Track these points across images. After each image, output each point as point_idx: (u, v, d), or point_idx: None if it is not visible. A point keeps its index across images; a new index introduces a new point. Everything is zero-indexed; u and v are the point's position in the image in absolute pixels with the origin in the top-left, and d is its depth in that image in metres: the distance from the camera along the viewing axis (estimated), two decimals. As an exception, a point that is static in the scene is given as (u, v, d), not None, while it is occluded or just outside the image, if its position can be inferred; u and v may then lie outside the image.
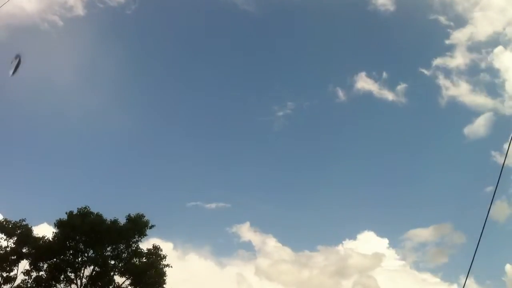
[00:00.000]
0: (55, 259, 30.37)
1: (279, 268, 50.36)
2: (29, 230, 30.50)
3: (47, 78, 59.21)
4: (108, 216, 31.48)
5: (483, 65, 56.75)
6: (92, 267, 30.67)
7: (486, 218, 7.67)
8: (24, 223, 30.46)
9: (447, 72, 58.00)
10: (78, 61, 59.31)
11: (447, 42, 57.80)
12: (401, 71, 65.61)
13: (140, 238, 31.72)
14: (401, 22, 63.33)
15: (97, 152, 65.85)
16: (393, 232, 59.66)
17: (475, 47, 56.85)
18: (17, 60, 10.14)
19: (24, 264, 30.13)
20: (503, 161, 7.52)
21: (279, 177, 66.06)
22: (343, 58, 66.96)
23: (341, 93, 60.77)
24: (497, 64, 56.30)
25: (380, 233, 51.14)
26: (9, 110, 60.27)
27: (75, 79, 61.29)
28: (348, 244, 51.86)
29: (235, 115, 70.56)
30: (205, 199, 55.97)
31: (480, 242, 7.69)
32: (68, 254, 30.81)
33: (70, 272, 30.46)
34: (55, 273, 30.11)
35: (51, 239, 30.59)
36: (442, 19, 57.63)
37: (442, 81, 57.42)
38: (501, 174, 7.55)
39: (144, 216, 31.73)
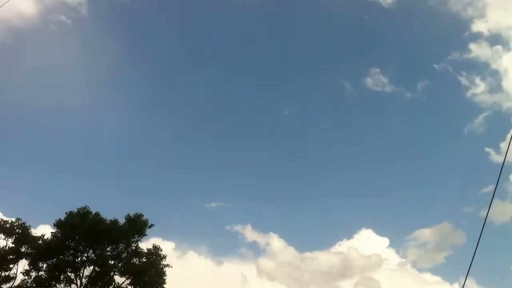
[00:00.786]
0: (54, 259, 30.25)
1: (280, 268, 50.36)
2: (27, 229, 30.39)
3: (47, 78, 59.26)
4: (108, 216, 31.48)
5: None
6: (92, 267, 30.62)
7: (486, 218, 7.61)
8: (21, 222, 30.34)
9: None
10: (78, 61, 59.33)
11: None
12: (402, 70, 65.57)
13: (139, 238, 31.70)
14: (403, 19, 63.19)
15: (97, 152, 65.93)
16: (393, 232, 59.80)
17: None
18: None
19: (24, 264, 30.11)
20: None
21: (280, 177, 66.11)
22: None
23: (333, 95, 60.57)
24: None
25: (381, 233, 51.21)
26: (9, 110, 60.32)
27: (75, 79, 61.32)
28: (347, 244, 51.95)
29: (238, 114, 70.58)
30: (205, 199, 55.98)
31: (480, 242, 7.63)
32: (68, 254, 30.72)
33: (69, 272, 30.36)
34: (54, 273, 29.99)
35: (50, 239, 30.49)
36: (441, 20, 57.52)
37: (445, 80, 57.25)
38: (501, 174, 7.48)
39: (143, 216, 31.71)
